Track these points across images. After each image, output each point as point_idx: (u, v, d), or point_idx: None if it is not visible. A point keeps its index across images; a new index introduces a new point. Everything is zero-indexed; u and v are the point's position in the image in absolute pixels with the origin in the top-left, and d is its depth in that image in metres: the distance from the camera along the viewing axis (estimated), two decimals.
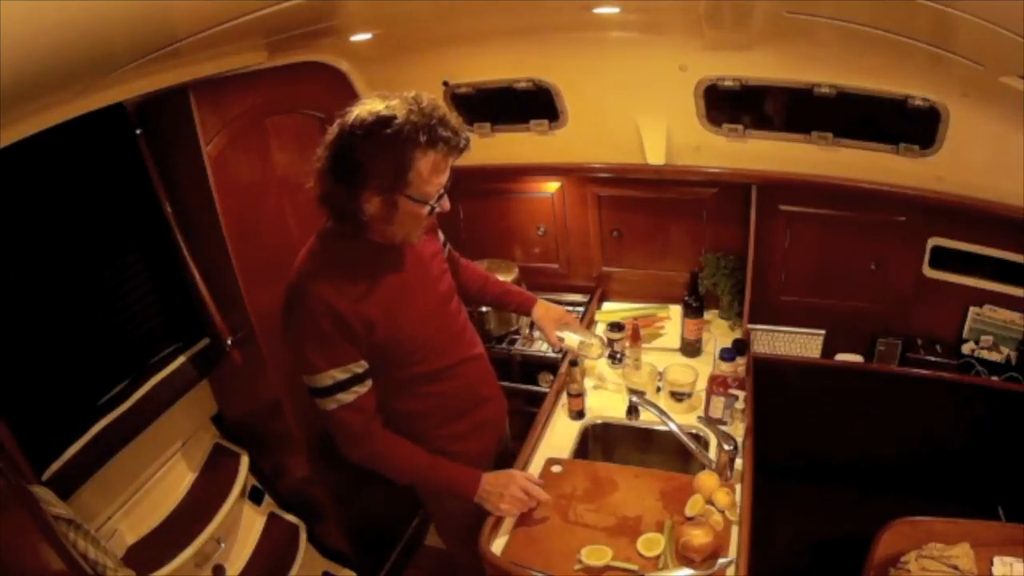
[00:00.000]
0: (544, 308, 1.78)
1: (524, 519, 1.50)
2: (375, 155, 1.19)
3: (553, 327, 1.74)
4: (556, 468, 1.67)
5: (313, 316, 1.26)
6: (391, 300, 1.35)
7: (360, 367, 1.33)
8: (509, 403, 1.76)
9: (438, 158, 1.23)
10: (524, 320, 2.43)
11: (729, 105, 1.90)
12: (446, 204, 1.31)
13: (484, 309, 2.29)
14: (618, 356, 1.95)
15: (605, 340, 1.82)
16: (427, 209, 1.27)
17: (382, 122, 1.18)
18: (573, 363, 1.88)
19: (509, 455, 1.74)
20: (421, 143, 1.18)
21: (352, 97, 2.07)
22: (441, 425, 1.52)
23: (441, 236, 1.63)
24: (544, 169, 2.31)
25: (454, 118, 1.24)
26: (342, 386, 1.32)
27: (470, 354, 1.56)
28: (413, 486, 1.60)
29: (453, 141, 1.22)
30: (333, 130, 1.24)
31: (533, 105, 2.08)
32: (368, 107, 1.21)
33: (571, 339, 1.71)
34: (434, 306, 1.46)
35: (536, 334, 2.34)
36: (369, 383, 1.36)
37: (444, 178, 1.27)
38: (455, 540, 1.76)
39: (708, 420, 1.68)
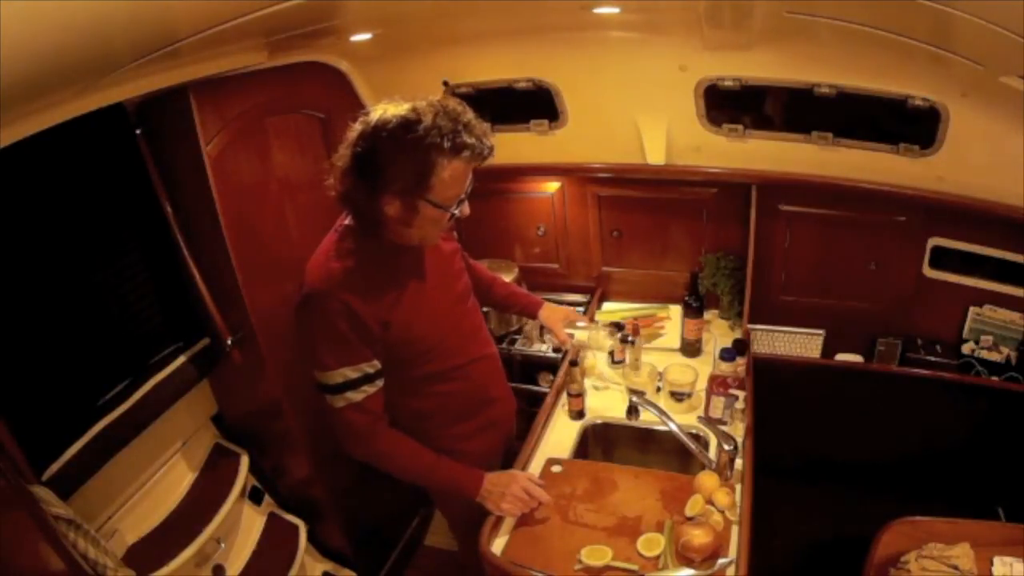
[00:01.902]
0: (550, 310, 1.79)
1: (524, 519, 1.50)
2: (398, 158, 1.18)
3: (561, 326, 1.75)
4: (556, 468, 1.67)
5: (330, 315, 1.26)
6: (408, 300, 1.35)
7: (372, 367, 1.33)
8: None
9: (461, 165, 1.21)
10: (532, 323, 2.44)
11: (729, 105, 1.90)
12: (466, 209, 1.30)
13: (485, 309, 2.29)
14: (630, 339, 1.91)
15: (613, 329, 1.81)
16: (448, 215, 1.27)
17: (407, 125, 1.16)
18: (573, 363, 1.87)
19: (512, 454, 1.74)
20: (445, 149, 1.17)
21: (352, 97, 2.08)
22: (449, 424, 1.53)
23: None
24: (544, 169, 2.31)
25: (479, 124, 1.23)
26: (352, 385, 1.32)
27: (481, 354, 1.56)
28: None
29: (478, 148, 1.20)
30: (356, 128, 1.22)
31: (533, 105, 2.07)
32: (393, 109, 1.19)
33: (581, 334, 1.73)
34: (449, 306, 1.46)
35: (547, 336, 2.33)
36: (379, 383, 1.36)
37: (466, 184, 1.26)
38: (466, 536, 1.75)
39: (708, 420, 1.68)
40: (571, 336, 1.74)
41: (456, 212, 1.28)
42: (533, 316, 1.82)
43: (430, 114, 1.17)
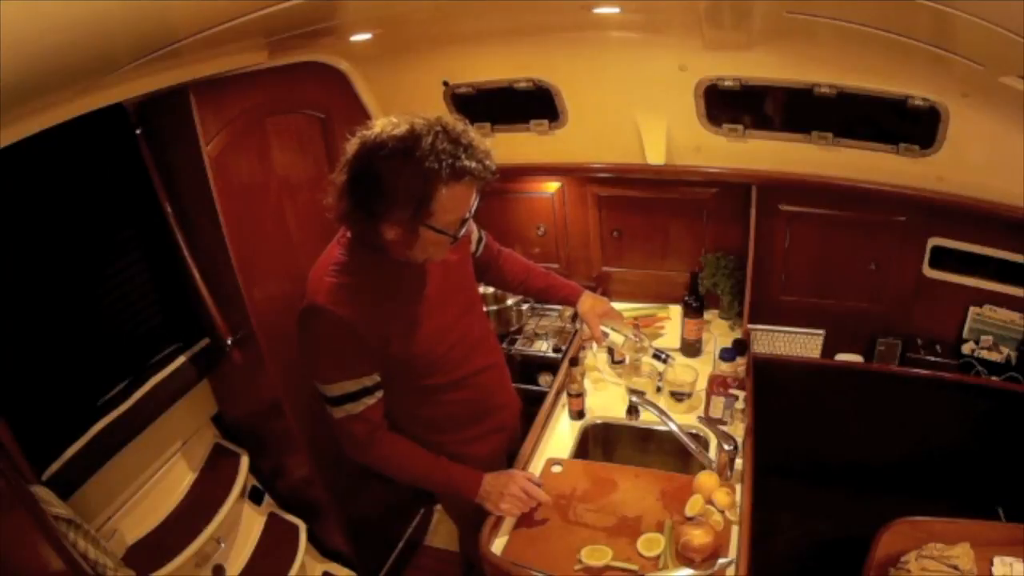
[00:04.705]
0: (590, 302, 1.74)
1: (524, 519, 1.50)
2: (396, 185, 1.13)
3: (598, 322, 1.70)
4: (556, 468, 1.67)
5: (328, 330, 1.25)
6: (409, 316, 1.34)
7: (371, 380, 1.33)
8: None
9: (462, 189, 1.17)
10: (532, 323, 2.45)
11: (729, 105, 1.90)
12: (472, 229, 1.27)
13: (487, 309, 2.30)
14: (662, 357, 1.79)
15: (648, 340, 1.78)
16: (450, 239, 1.24)
17: (404, 149, 1.11)
18: (573, 363, 1.88)
19: (514, 455, 1.74)
20: (443, 176, 1.12)
21: (352, 97, 2.08)
22: (456, 430, 1.52)
23: (476, 233, 1.60)
24: (544, 169, 2.31)
25: (481, 144, 1.18)
26: (351, 397, 1.31)
27: (487, 363, 1.54)
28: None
29: (479, 172, 1.15)
30: (353, 146, 1.18)
31: (533, 105, 2.07)
32: (390, 130, 1.14)
33: (616, 337, 1.70)
34: (454, 318, 1.44)
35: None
36: (379, 394, 1.35)
37: (469, 205, 1.22)
38: (471, 533, 1.75)
39: (708, 420, 1.68)
40: (606, 335, 1.69)
41: (459, 236, 1.25)
42: (572, 305, 1.77)
43: (429, 136, 1.12)
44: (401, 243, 1.22)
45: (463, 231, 1.26)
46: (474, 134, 1.19)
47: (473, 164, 1.15)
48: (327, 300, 1.25)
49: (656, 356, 1.76)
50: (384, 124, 1.16)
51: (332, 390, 1.30)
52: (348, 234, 1.31)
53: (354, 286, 1.27)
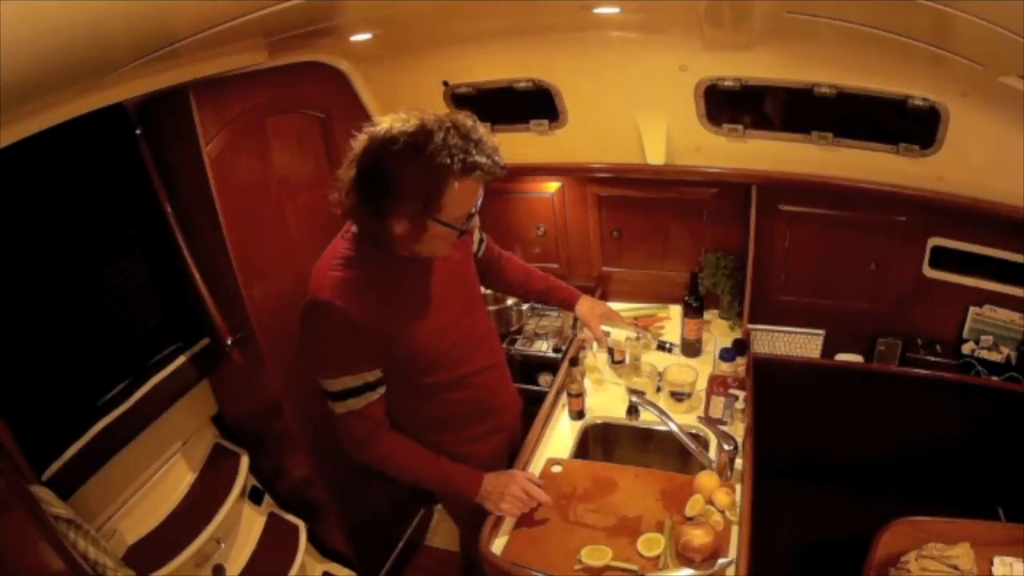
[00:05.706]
0: (588, 305, 1.75)
1: (524, 519, 1.50)
2: (406, 179, 1.14)
3: (598, 324, 1.72)
4: (556, 468, 1.67)
5: (331, 325, 1.25)
6: (413, 312, 1.35)
7: (373, 376, 1.33)
8: None
9: (472, 184, 1.19)
10: (532, 323, 2.45)
11: (729, 105, 1.90)
12: (476, 224, 1.29)
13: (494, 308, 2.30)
14: (667, 347, 1.80)
15: (650, 334, 1.78)
16: (456, 233, 1.25)
17: (415, 145, 1.13)
18: (573, 363, 1.88)
19: (515, 454, 1.74)
20: (455, 170, 1.14)
21: (352, 97, 2.08)
22: (457, 430, 1.52)
23: (477, 234, 1.61)
24: (544, 169, 2.31)
25: (490, 140, 1.20)
26: (353, 393, 1.31)
27: (488, 363, 1.55)
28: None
29: (488, 167, 1.17)
30: (361, 141, 1.19)
31: (533, 105, 2.07)
32: (400, 126, 1.15)
33: (617, 335, 1.71)
34: (456, 317, 1.44)
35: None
36: (380, 390, 1.35)
37: (476, 200, 1.24)
38: (471, 532, 1.76)
39: (708, 420, 1.68)
40: (607, 335, 1.69)
41: (464, 229, 1.26)
42: (571, 309, 1.78)
43: (440, 132, 1.13)
44: (407, 237, 1.23)
45: (470, 225, 1.27)
46: (483, 130, 1.20)
47: (483, 159, 1.16)
48: (331, 294, 1.25)
49: (660, 346, 1.76)
50: (393, 120, 1.18)
51: (334, 385, 1.30)
52: (352, 229, 1.32)
53: (358, 281, 1.27)
